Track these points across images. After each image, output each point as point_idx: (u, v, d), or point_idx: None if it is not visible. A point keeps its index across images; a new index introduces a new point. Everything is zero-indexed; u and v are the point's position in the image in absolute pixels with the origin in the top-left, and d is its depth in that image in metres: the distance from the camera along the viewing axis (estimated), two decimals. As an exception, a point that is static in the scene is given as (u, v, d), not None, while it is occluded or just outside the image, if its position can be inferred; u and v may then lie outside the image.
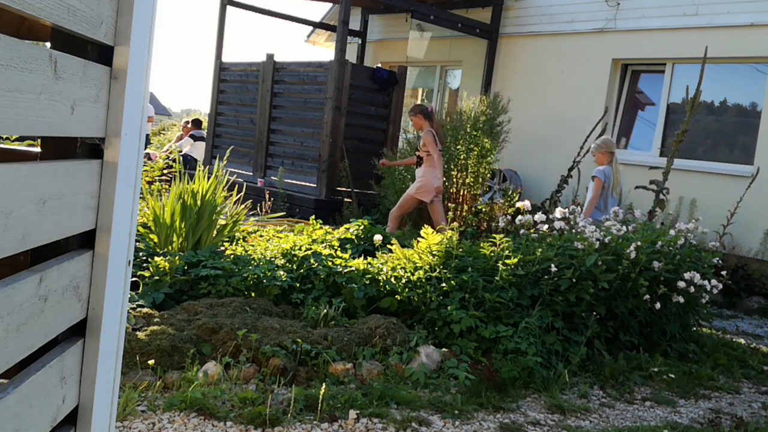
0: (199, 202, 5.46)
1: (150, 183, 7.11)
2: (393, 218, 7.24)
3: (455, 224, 5.36)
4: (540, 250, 4.68)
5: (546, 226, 5.02)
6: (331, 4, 12.26)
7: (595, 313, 4.51)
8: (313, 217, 6.56)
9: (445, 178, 7.91)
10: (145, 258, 4.92)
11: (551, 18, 10.13)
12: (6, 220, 0.99)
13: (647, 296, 4.61)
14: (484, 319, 4.33)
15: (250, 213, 7.17)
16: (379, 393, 3.50)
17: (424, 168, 7.13)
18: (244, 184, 7.51)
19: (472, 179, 8.05)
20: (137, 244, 5.11)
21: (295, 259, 5.01)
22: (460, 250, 4.92)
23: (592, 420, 3.69)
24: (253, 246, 5.57)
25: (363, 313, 4.56)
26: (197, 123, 13.85)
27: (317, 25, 13.25)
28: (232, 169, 7.82)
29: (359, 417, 3.27)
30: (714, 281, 4.87)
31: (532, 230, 5.11)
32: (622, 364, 4.44)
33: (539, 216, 5.03)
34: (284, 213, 8.15)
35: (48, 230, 1.15)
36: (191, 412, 3.12)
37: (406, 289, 4.60)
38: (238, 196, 6.17)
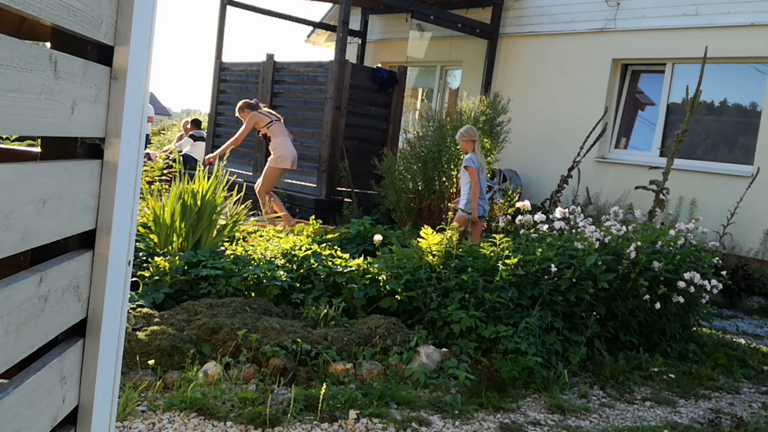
0: (199, 202, 5.46)
1: (150, 183, 7.11)
2: (262, 195, 7.90)
3: (455, 224, 5.35)
4: (540, 250, 4.68)
5: (546, 226, 5.02)
6: (331, 4, 12.26)
7: (595, 313, 4.51)
8: (313, 217, 6.56)
9: (444, 178, 7.91)
10: (145, 258, 4.92)
11: (551, 18, 10.13)
12: (6, 220, 0.99)
13: (647, 296, 4.61)
14: (484, 319, 4.33)
15: (250, 213, 7.16)
16: (379, 393, 3.50)
17: (274, 141, 7.94)
18: (244, 184, 7.51)
19: (472, 179, 8.04)
20: (137, 244, 5.11)
21: (295, 259, 5.01)
22: (460, 250, 4.92)
23: (592, 420, 3.69)
24: (253, 246, 5.57)
25: (363, 313, 4.56)
26: (197, 123, 13.85)
27: (317, 25, 13.25)
28: (232, 169, 7.82)
29: (359, 417, 3.27)
30: (714, 281, 4.87)
31: (532, 230, 5.12)
32: (622, 364, 4.44)
33: (539, 216, 5.03)
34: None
35: (48, 230, 1.15)
36: (191, 412, 3.12)
37: (406, 289, 4.60)
38: (238, 196, 6.16)
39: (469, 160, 6.64)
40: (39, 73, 1.04)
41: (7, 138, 4.83)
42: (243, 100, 8.33)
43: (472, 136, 6.76)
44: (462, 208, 6.58)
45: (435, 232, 5.05)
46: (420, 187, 8.09)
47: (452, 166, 7.94)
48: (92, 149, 1.33)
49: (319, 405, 3.25)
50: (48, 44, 1.36)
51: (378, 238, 5.44)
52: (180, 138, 13.77)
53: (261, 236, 6.19)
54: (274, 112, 8.32)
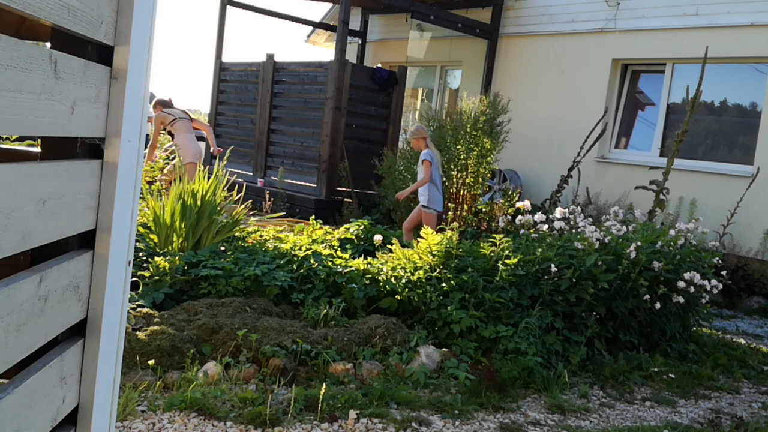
0: (199, 202, 5.46)
1: (150, 183, 7.11)
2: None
3: (455, 224, 5.36)
4: (540, 250, 4.68)
5: (546, 226, 5.02)
6: (331, 4, 12.27)
7: (595, 313, 4.51)
8: (313, 217, 6.56)
9: (445, 178, 7.92)
10: (145, 258, 4.92)
11: (551, 18, 10.13)
12: (6, 220, 0.99)
13: (647, 296, 4.61)
14: (484, 319, 4.33)
15: (250, 213, 7.17)
16: (379, 393, 3.50)
17: (177, 138, 7.87)
18: (244, 184, 7.51)
19: (472, 179, 8.06)
20: (137, 244, 5.11)
21: (295, 259, 5.01)
22: (460, 250, 4.92)
23: (592, 420, 3.69)
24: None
25: (363, 313, 4.56)
26: (197, 123, 13.83)
27: (317, 25, 13.26)
28: (232, 169, 7.83)
29: (359, 417, 3.27)
30: (714, 281, 4.87)
31: (532, 230, 5.12)
32: (622, 364, 4.44)
33: (539, 216, 5.03)
34: (284, 213, 8.15)
35: (48, 230, 1.15)
36: (191, 412, 3.12)
37: (406, 289, 4.60)
38: (238, 196, 6.17)
39: (427, 154, 6.91)
40: (39, 73, 1.04)
41: (7, 138, 4.82)
42: (157, 98, 8.32)
43: (423, 134, 7.04)
44: (425, 205, 6.84)
45: (435, 232, 5.04)
46: (420, 187, 8.08)
47: (452, 166, 7.94)
48: (92, 149, 1.33)
49: (319, 405, 3.25)
50: (48, 44, 1.36)
51: (378, 238, 5.44)
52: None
53: (261, 236, 6.19)
54: (182, 110, 8.17)
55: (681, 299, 4.70)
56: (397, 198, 7.31)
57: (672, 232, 5.11)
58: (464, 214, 8.04)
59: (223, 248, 5.41)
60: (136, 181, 1.46)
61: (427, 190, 6.84)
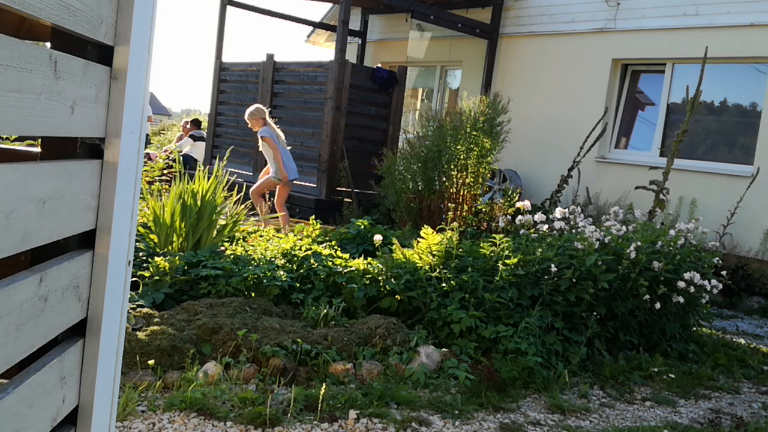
0: (199, 202, 5.46)
1: (150, 183, 7.11)
2: None
3: (455, 224, 5.36)
4: (540, 250, 4.68)
5: (546, 226, 5.02)
6: (331, 4, 12.26)
7: (595, 313, 4.51)
8: (313, 217, 6.56)
9: (444, 178, 7.91)
10: (145, 258, 4.92)
11: (551, 18, 10.13)
12: (6, 220, 0.99)
13: (647, 296, 4.61)
14: (484, 319, 4.33)
15: (250, 213, 7.17)
16: (379, 393, 3.50)
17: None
18: (244, 184, 7.51)
19: (472, 179, 8.04)
20: (137, 244, 5.11)
21: (295, 259, 5.01)
22: (460, 250, 4.92)
23: (592, 420, 3.69)
24: (253, 246, 5.57)
25: (363, 313, 4.56)
26: (197, 123, 13.86)
27: (317, 25, 13.25)
28: (232, 169, 7.82)
29: (359, 417, 3.27)
30: (714, 281, 4.87)
31: (532, 230, 5.12)
32: (622, 364, 4.44)
33: (539, 216, 5.03)
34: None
35: (48, 230, 1.15)
36: (191, 412, 3.12)
37: (406, 289, 4.60)
38: (238, 196, 6.16)
39: (265, 131, 7.37)
40: (39, 73, 1.04)
41: (7, 138, 4.83)
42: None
43: (261, 114, 7.58)
44: (273, 176, 7.57)
45: (435, 232, 5.05)
46: (420, 187, 8.08)
47: (452, 166, 7.93)
48: (92, 149, 1.33)
49: (319, 405, 3.25)
50: (48, 44, 1.36)
51: (378, 238, 5.44)
52: (180, 138, 13.77)
53: (261, 236, 6.19)
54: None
55: (681, 299, 4.70)
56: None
57: (672, 232, 5.11)
58: (464, 214, 8.03)
59: (223, 248, 5.41)
60: (136, 181, 1.46)
61: (275, 163, 7.40)
